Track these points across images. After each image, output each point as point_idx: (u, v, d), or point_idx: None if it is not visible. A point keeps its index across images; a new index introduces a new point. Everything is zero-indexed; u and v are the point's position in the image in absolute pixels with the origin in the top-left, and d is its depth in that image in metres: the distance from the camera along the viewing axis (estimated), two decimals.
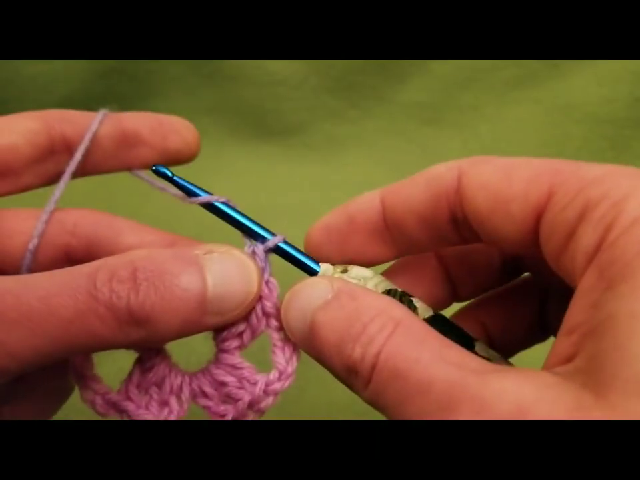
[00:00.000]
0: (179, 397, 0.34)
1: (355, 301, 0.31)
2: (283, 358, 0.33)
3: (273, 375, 0.33)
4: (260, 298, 0.34)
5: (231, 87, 0.81)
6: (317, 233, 0.37)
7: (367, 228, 0.36)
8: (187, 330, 0.31)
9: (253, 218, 0.37)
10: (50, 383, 0.38)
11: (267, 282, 0.34)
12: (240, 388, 0.33)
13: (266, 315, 0.34)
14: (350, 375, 0.30)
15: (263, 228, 0.36)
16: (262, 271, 0.34)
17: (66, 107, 0.77)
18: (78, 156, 0.39)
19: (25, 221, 0.39)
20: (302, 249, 0.37)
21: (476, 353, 0.34)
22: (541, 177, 0.31)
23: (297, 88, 0.81)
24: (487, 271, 0.40)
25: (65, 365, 0.35)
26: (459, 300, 0.41)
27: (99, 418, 0.34)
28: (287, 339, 0.34)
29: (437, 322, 0.36)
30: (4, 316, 0.29)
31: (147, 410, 0.33)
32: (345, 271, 0.36)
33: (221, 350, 0.34)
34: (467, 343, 0.36)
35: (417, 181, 0.35)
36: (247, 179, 0.81)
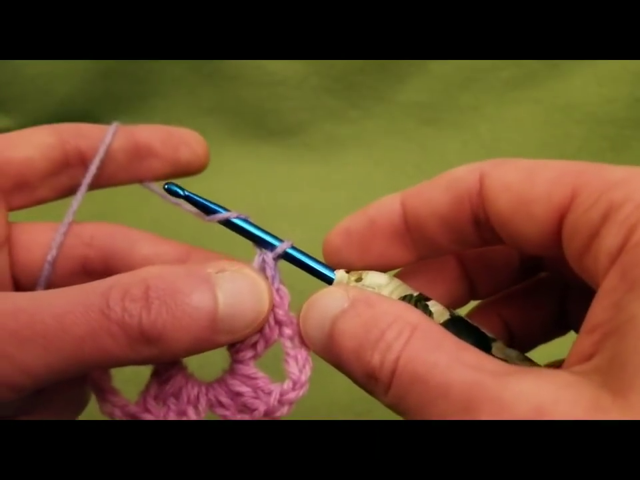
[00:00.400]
0: (196, 407, 0.34)
1: (372, 308, 0.32)
2: (296, 367, 0.34)
3: (287, 384, 0.33)
4: (273, 307, 0.34)
5: (230, 86, 0.81)
6: (336, 237, 0.37)
7: (387, 231, 0.36)
8: (198, 348, 0.31)
9: (257, 222, 0.37)
10: (68, 393, 0.39)
11: (278, 290, 0.35)
12: (255, 398, 0.34)
13: (278, 323, 0.34)
14: (370, 381, 0.30)
15: (278, 239, 0.36)
16: (272, 279, 0.35)
17: (66, 107, 0.77)
18: (93, 169, 0.40)
19: (43, 234, 0.40)
20: (310, 253, 0.37)
21: (493, 355, 0.35)
22: (563, 178, 0.31)
23: (297, 88, 0.80)
24: (506, 269, 0.40)
25: (82, 377, 0.36)
26: (477, 298, 0.41)
27: (98, 418, 0.34)
28: (299, 348, 0.34)
29: (455, 324, 0.36)
30: (18, 334, 0.29)
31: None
32: (359, 279, 0.36)
33: (235, 361, 0.34)
34: (484, 343, 0.36)
35: (437, 183, 0.35)
36: (246, 179, 0.81)
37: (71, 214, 0.40)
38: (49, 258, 0.39)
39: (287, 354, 0.34)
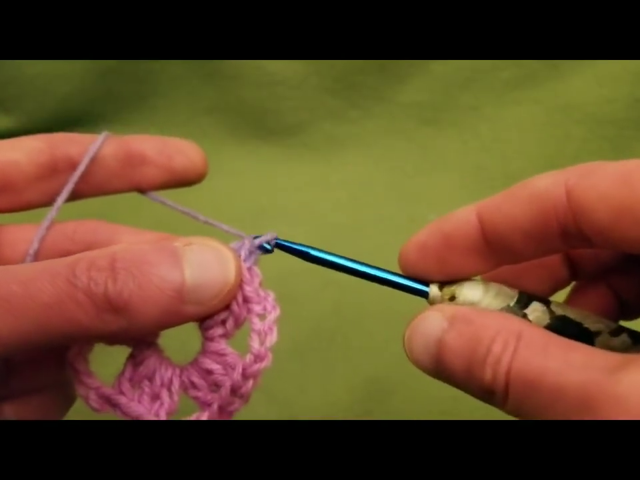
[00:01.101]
0: (169, 390, 0.34)
1: (471, 325, 0.32)
2: (257, 341, 0.33)
3: (249, 358, 0.33)
4: (240, 284, 0.34)
5: (231, 86, 0.81)
6: (411, 251, 0.37)
7: (464, 246, 0.35)
8: (166, 319, 0.31)
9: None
10: (48, 382, 0.39)
11: (249, 268, 0.35)
12: (224, 375, 0.34)
13: (246, 300, 0.34)
14: (487, 395, 0.31)
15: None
16: (244, 257, 0.35)
17: (66, 107, 0.77)
18: (79, 170, 0.40)
19: (28, 232, 0.40)
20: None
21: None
22: None
23: (297, 88, 0.80)
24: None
25: (63, 368, 0.36)
26: (579, 279, 0.41)
27: (98, 418, 0.34)
28: (264, 324, 0.34)
29: (556, 325, 0.36)
30: None
31: (138, 403, 0.34)
32: (452, 299, 0.36)
33: (206, 338, 0.35)
34: (588, 339, 0.36)
35: (517, 196, 0.34)
36: (246, 179, 0.81)
37: (54, 209, 0.40)
38: (31, 251, 0.39)
39: (252, 329, 0.34)
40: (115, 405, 0.34)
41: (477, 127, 0.81)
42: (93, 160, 0.40)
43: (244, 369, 0.33)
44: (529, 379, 0.29)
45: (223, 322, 0.34)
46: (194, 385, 0.35)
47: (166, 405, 0.34)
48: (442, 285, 0.36)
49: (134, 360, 0.35)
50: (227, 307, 0.34)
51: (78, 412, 0.43)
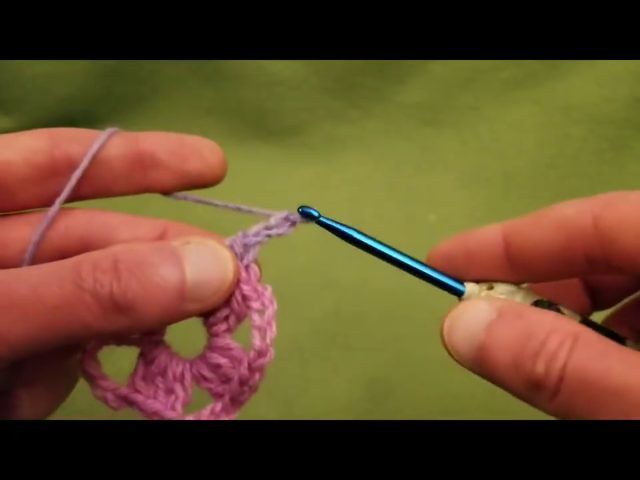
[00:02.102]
0: (182, 384, 0.36)
1: (522, 319, 0.32)
2: (258, 338, 0.35)
3: (252, 354, 0.34)
4: (238, 282, 0.35)
5: (231, 87, 0.81)
6: (437, 259, 0.37)
7: (487, 263, 0.36)
8: (168, 317, 0.32)
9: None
10: (59, 368, 0.40)
11: (247, 267, 0.36)
12: (233, 368, 0.35)
13: (245, 298, 0.35)
14: (532, 390, 0.31)
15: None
16: (240, 256, 0.36)
17: (66, 107, 0.77)
18: (80, 168, 0.37)
19: (18, 229, 0.38)
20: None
21: None
22: None
23: (297, 88, 0.80)
24: (630, 278, 0.40)
25: (67, 353, 0.37)
26: (600, 309, 0.41)
27: (98, 418, 0.34)
28: (263, 320, 0.35)
29: (589, 325, 0.36)
30: None
31: (154, 399, 0.35)
32: (490, 288, 0.36)
33: (211, 334, 0.36)
34: (619, 342, 0.36)
35: (544, 221, 0.34)
36: (247, 179, 0.81)
37: (49, 216, 0.38)
38: (27, 256, 0.38)
39: (252, 326, 0.35)
40: (132, 403, 0.36)
41: (476, 127, 0.81)
42: (97, 160, 0.38)
43: (249, 364, 0.34)
44: (588, 376, 0.29)
45: (226, 318, 0.36)
46: (205, 378, 0.36)
47: (181, 398, 0.36)
48: (477, 282, 0.37)
49: (144, 359, 0.36)
50: (228, 304, 0.35)
51: (79, 412, 0.43)
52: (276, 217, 0.38)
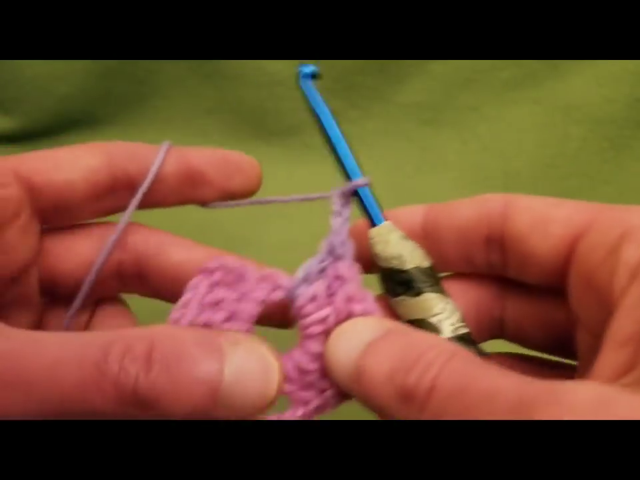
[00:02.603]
0: None
1: (407, 336, 0.31)
2: None
3: None
4: (344, 281, 0.34)
5: (230, 87, 0.81)
6: (354, 232, 0.37)
7: (403, 230, 0.37)
8: (193, 417, 0.30)
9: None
10: None
11: (351, 266, 0.35)
12: (322, 378, 0.33)
13: (350, 299, 0.34)
14: (403, 402, 0.29)
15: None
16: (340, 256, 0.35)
17: (66, 107, 0.77)
18: (142, 190, 0.38)
19: (79, 242, 0.39)
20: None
21: None
22: (583, 207, 0.34)
23: (297, 88, 0.80)
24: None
25: None
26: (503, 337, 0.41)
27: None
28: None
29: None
30: (1, 377, 0.28)
31: None
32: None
33: (305, 335, 0.34)
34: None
35: (465, 200, 0.37)
36: None
37: (116, 234, 0.39)
38: (92, 274, 0.38)
39: None
40: None
41: (476, 127, 0.81)
42: (155, 178, 0.39)
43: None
44: (458, 382, 0.28)
45: (324, 320, 0.34)
46: (288, 378, 0.34)
47: None
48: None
49: None
50: (330, 304, 0.34)
51: None
52: (333, 199, 0.37)
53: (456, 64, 0.79)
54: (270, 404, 0.31)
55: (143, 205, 0.40)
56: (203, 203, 0.41)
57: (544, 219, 0.34)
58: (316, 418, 0.34)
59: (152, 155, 0.39)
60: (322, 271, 0.35)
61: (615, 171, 0.79)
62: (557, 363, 0.39)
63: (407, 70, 0.80)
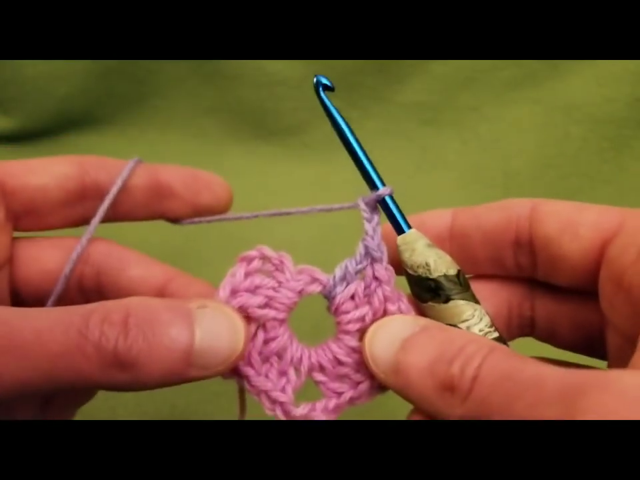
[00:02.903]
0: (297, 369, 0.36)
1: (446, 332, 0.33)
2: None
3: None
4: (381, 282, 0.36)
5: (230, 87, 0.81)
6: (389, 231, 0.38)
7: (431, 238, 0.38)
8: (169, 379, 0.32)
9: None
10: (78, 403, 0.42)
11: (386, 268, 0.36)
12: (357, 372, 0.35)
13: (386, 299, 0.36)
14: (444, 393, 0.30)
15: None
16: (381, 258, 0.36)
17: (66, 107, 0.77)
18: (109, 198, 0.40)
19: (46, 251, 0.40)
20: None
21: None
22: (611, 211, 0.35)
23: (297, 88, 0.80)
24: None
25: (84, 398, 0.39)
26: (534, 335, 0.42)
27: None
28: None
29: None
30: None
31: (266, 378, 0.35)
32: (431, 246, 0.37)
33: (342, 331, 0.36)
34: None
35: (491, 205, 0.38)
36: (246, 179, 0.80)
37: (83, 243, 0.40)
38: (62, 278, 0.39)
39: None
40: (243, 376, 0.35)
41: (476, 127, 0.81)
42: (123, 189, 0.40)
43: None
44: (503, 371, 0.29)
45: (362, 318, 0.36)
46: (322, 369, 0.36)
47: (292, 383, 0.35)
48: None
49: (266, 334, 0.35)
50: (368, 303, 0.36)
51: (79, 412, 0.43)
52: (360, 206, 0.37)
53: (456, 64, 0.79)
54: (238, 358, 0.33)
55: (113, 217, 0.41)
56: (174, 220, 0.42)
57: (573, 222, 0.35)
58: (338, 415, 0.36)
59: (121, 168, 0.41)
60: (359, 272, 0.36)
61: (615, 171, 0.79)
62: (583, 367, 0.40)
63: (407, 70, 0.80)
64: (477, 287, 0.38)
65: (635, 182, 0.78)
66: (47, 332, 0.30)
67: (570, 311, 0.39)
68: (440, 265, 0.36)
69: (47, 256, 0.40)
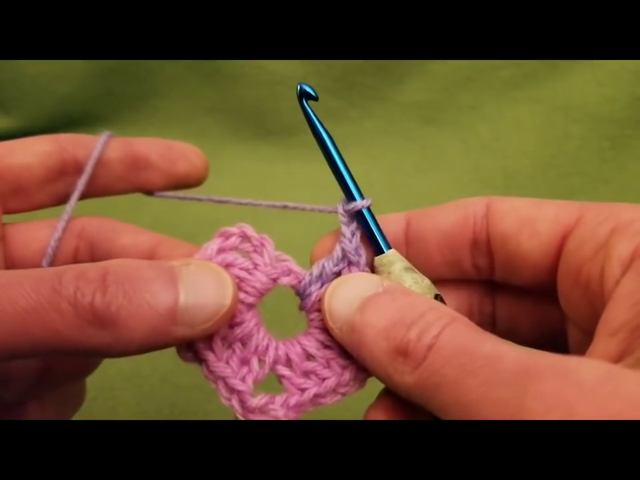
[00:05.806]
0: (261, 359, 0.33)
1: (408, 297, 0.32)
2: None
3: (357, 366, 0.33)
4: (349, 265, 0.35)
5: (230, 86, 0.81)
6: (328, 240, 0.37)
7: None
8: (154, 339, 0.30)
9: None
10: (69, 385, 0.41)
11: (357, 249, 0.35)
12: (326, 367, 0.34)
13: None
14: (397, 357, 0.29)
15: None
16: (352, 236, 0.35)
17: (66, 107, 0.77)
18: (86, 174, 0.41)
19: (38, 231, 0.41)
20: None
21: None
22: (569, 205, 0.34)
23: (295, 88, 0.80)
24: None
25: (82, 373, 0.38)
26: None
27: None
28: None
29: None
30: None
31: (226, 364, 0.33)
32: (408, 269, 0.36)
33: (314, 326, 0.34)
34: None
35: (446, 205, 0.37)
36: (246, 179, 0.81)
37: (67, 212, 0.41)
38: (49, 251, 0.40)
39: None
40: (202, 360, 0.33)
41: (476, 127, 0.81)
42: (100, 163, 0.41)
43: (357, 372, 0.33)
44: (462, 343, 0.28)
45: None
46: (289, 363, 0.34)
47: (254, 374, 0.33)
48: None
49: (232, 320, 0.33)
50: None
51: (83, 413, 0.44)
52: (338, 211, 0.37)
53: (456, 64, 0.79)
54: (228, 313, 0.31)
55: (93, 192, 0.42)
56: (149, 192, 0.43)
57: (530, 218, 0.34)
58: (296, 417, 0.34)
59: (97, 143, 0.41)
60: (336, 273, 0.35)
61: (615, 171, 0.79)
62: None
63: (407, 70, 0.80)
64: (436, 285, 0.37)
65: (634, 181, 0.78)
66: (15, 287, 0.28)
67: (530, 308, 0.38)
68: (415, 290, 0.34)
69: (39, 234, 0.41)
